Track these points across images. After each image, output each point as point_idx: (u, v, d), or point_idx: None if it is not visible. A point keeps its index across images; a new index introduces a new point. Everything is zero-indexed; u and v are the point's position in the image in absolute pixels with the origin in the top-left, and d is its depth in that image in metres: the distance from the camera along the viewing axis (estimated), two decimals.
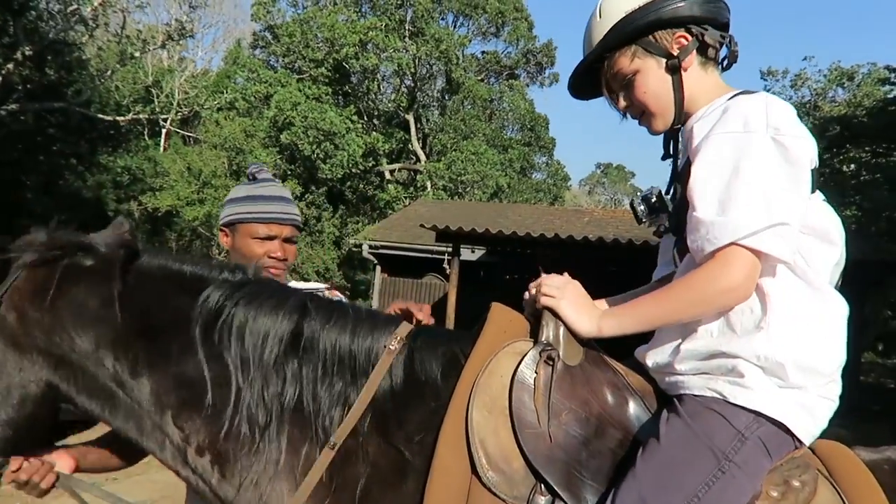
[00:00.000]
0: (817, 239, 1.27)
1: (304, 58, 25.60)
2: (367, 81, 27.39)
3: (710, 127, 1.27)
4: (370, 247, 17.09)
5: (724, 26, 1.40)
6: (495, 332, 1.33)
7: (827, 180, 15.64)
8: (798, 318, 1.22)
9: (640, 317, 1.27)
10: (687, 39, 1.37)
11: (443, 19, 28.61)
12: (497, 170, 26.17)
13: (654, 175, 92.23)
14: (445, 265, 14.24)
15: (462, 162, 25.18)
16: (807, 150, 1.22)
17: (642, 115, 1.43)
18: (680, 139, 1.42)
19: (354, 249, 18.68)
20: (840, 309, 1.26)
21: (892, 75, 17.26)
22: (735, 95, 1.32)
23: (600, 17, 1.41)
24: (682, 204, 1.32)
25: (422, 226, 11.88)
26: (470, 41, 29.41)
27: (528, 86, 32.07)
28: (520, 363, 1.26)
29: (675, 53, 1.37)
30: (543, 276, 1.36)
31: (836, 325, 1.25)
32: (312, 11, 26.38)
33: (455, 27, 29.31)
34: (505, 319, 1.37)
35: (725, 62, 1.44)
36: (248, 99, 24.97)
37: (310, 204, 24.18)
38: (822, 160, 1.50)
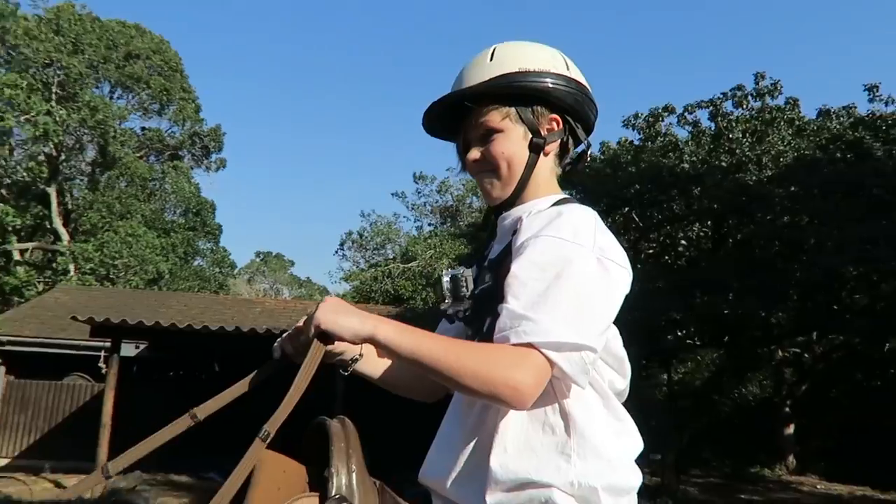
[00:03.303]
0: (612, 367, 1.27)
1: None
2: None
3: (540, 226, 1.19)
4: None
5: (589, 131, 1.38)
6: (267, 490, 1.08)
7: None
8: (602, 438, 1.18)
9: (421, 344, 1.10)
10: (558, 126, 1.32)
11: (98, 87, 26.03)
12: (157, 254, 24.04)
13: (312, 265, 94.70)
14: (102, 363, 12.32)
15: (116, 244, 22.57)
16: (625, 280, 1.21)
17: (488, 172, 1.33)
18: (500, 223, 1.35)
19: None
20: (632, 425, 1.26)
21: None
22: (563, 199, 1.30)
23: (491, 60, 1.30)
24: (486, 295, 1.24)
25: (74, 318, 10.14)
26: (129, 114, 27.20)
27: (192, 168, 30.65)
28: None
29: (543, 134, 1.30)
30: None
31: (633, 443, 1.25)
32: None
33: (113, 98, 26.86)
34: (278, 471, 1.13)
35: (570, 166, 1.40)
36: None
37: None
38: None
